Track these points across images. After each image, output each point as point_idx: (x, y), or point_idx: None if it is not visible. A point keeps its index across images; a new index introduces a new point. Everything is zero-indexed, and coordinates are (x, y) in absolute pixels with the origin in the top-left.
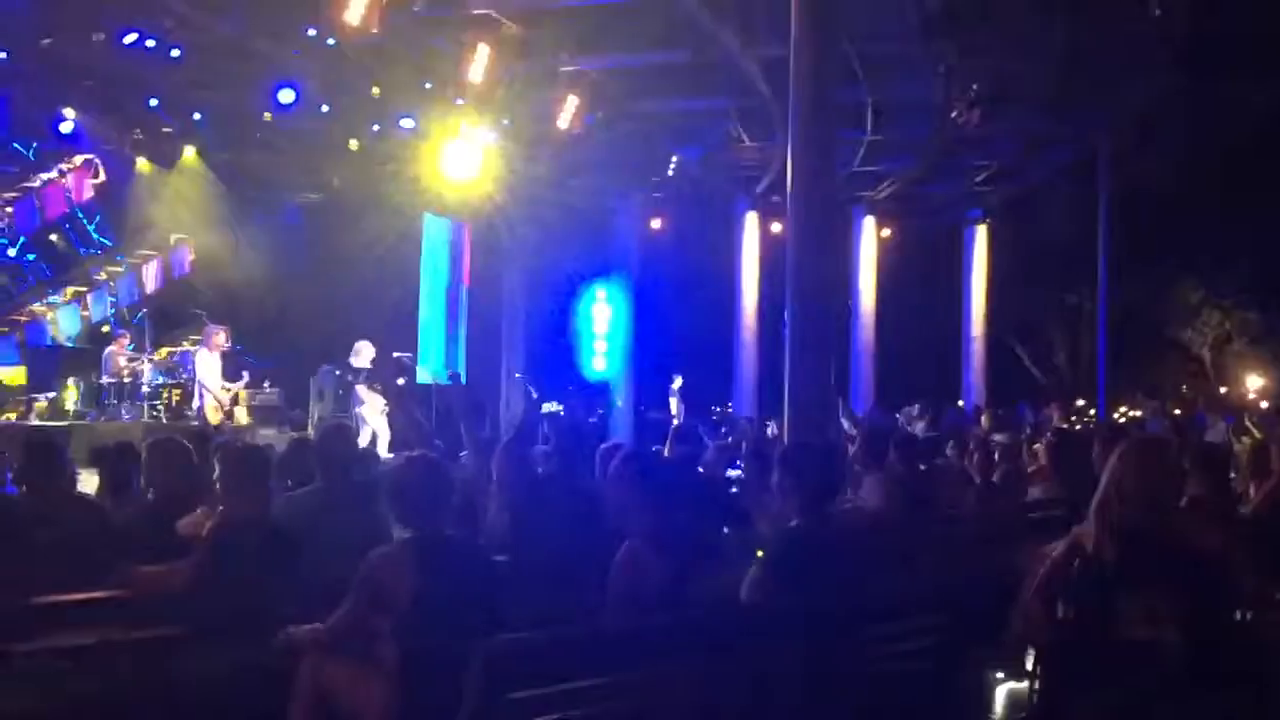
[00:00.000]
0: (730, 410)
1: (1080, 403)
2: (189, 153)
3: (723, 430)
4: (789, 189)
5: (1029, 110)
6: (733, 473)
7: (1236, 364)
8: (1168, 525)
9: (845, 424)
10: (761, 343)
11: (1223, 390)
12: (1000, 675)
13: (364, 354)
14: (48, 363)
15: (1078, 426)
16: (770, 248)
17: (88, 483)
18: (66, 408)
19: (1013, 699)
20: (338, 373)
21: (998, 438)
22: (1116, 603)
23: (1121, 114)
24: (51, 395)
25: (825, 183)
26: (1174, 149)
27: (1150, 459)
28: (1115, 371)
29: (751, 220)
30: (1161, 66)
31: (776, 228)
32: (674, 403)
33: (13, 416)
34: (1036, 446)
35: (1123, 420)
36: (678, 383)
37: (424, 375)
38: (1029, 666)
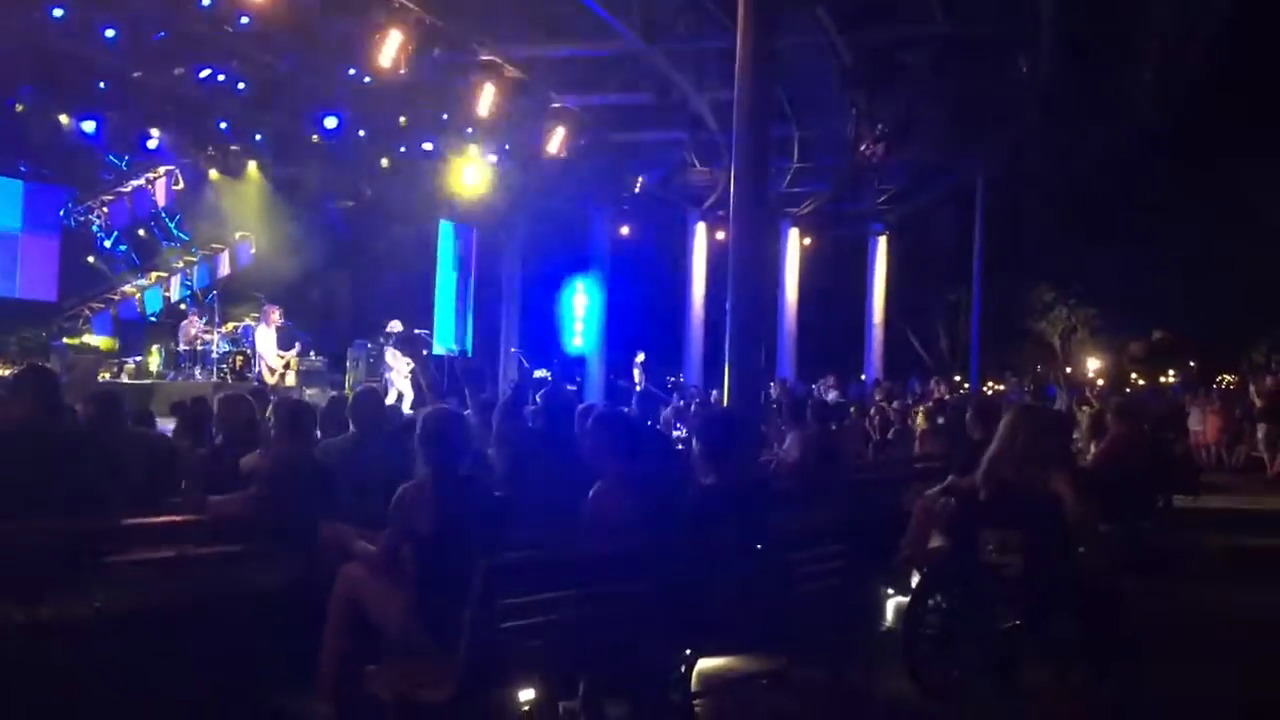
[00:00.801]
0: (682, 379)
1: (957, 378)
2: (251, 166)
3: (675, 396)
4: (731, 205)
5: (924, 145)
6: (678, 432)
7: (1079, 350)
8: (1026, 475)
9: (774, 391)
10: (707, 326)
11: (1068, 370)
12: (890, 591)
13: (394, 327)
14: (136, 333)
15: (954, 396)
16: (715, 252)
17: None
18: (151, 369)
19: (901, 610)
20: (369, 345)
21: (893, 405)
22: (981, 536)
23: (996, 150)
24: (138, 359)
25: (759, 201)
26: (1035, 179)
27: (1036, 422)
28: (985, 354)
29: (701, 229)
30: (1027, 113)
31: (720, 235)
32: (637, 373)
33: (106, 376)
34: (919, 412)
35: (990, 392)
36: (640, 357)
37: (438, 348)
38: (912, 584)
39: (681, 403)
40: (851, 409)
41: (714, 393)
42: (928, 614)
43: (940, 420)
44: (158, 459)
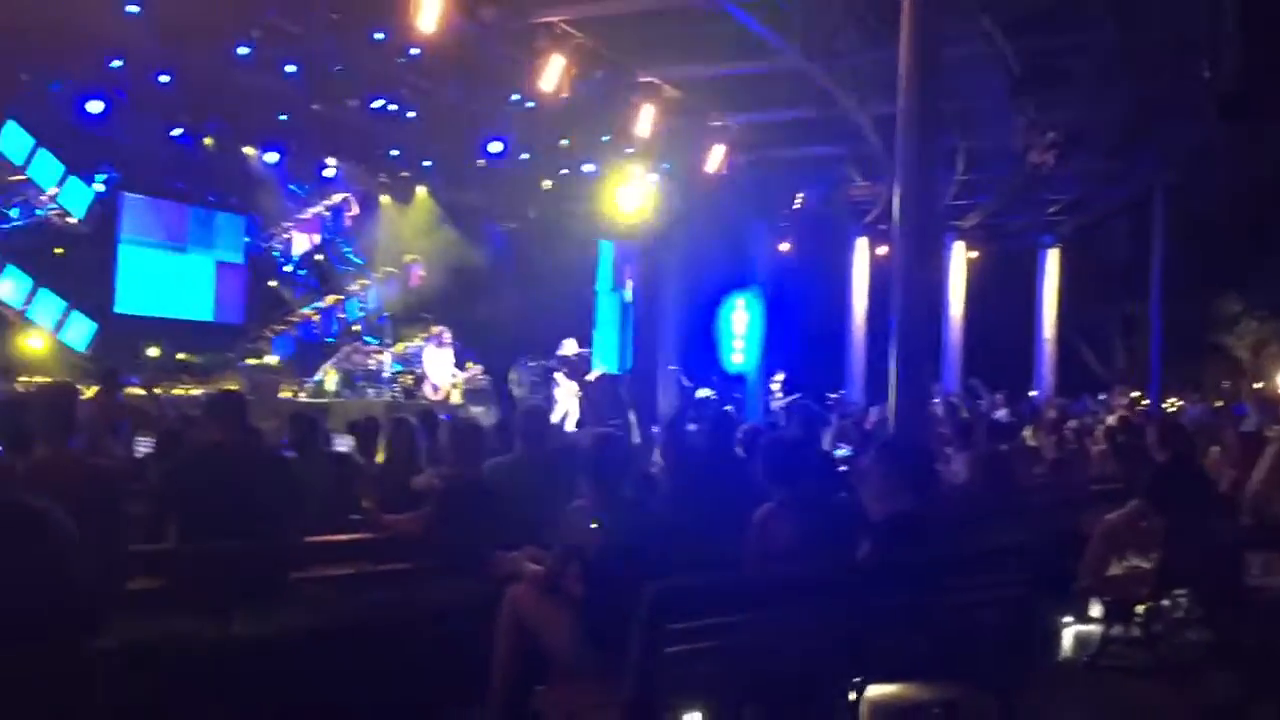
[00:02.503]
0: (842, 395)
1: (1135, 394)
2: (420, 191)
3: (835, 414)
4: (895, 220)
5: (1096, 153)
6: (839, 451)
7: (1271, 365)
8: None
9: (939, 409)
10: (869, 343)
11: (1257, 386)
12: (1068, 619)
13: (568, 347)
14: (313, 354)
15: (1136, 415)
16: (877, 267)
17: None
18: (327, 389)
19: (1080, 640)
20: (532, 364)
21: (1069, 423)
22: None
23: (1174, 155)
24: (315, 379)
25: (924, 214)
26: (1218, 185)
27: None
28: (1166, 369)
29: (862, 244)
30: (1208, 117)
31: (882, 250)
32: (775, 397)
33: (287, 394)
34: (1098, 431)
35: (1172, 410)
36: (778, 378)
37: (600, 368)
38: (1093, 613)
39: (844, 422)
40: (1024, 430)
41: (873, 410)
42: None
43: (1120, 440)
44: (341, 478)
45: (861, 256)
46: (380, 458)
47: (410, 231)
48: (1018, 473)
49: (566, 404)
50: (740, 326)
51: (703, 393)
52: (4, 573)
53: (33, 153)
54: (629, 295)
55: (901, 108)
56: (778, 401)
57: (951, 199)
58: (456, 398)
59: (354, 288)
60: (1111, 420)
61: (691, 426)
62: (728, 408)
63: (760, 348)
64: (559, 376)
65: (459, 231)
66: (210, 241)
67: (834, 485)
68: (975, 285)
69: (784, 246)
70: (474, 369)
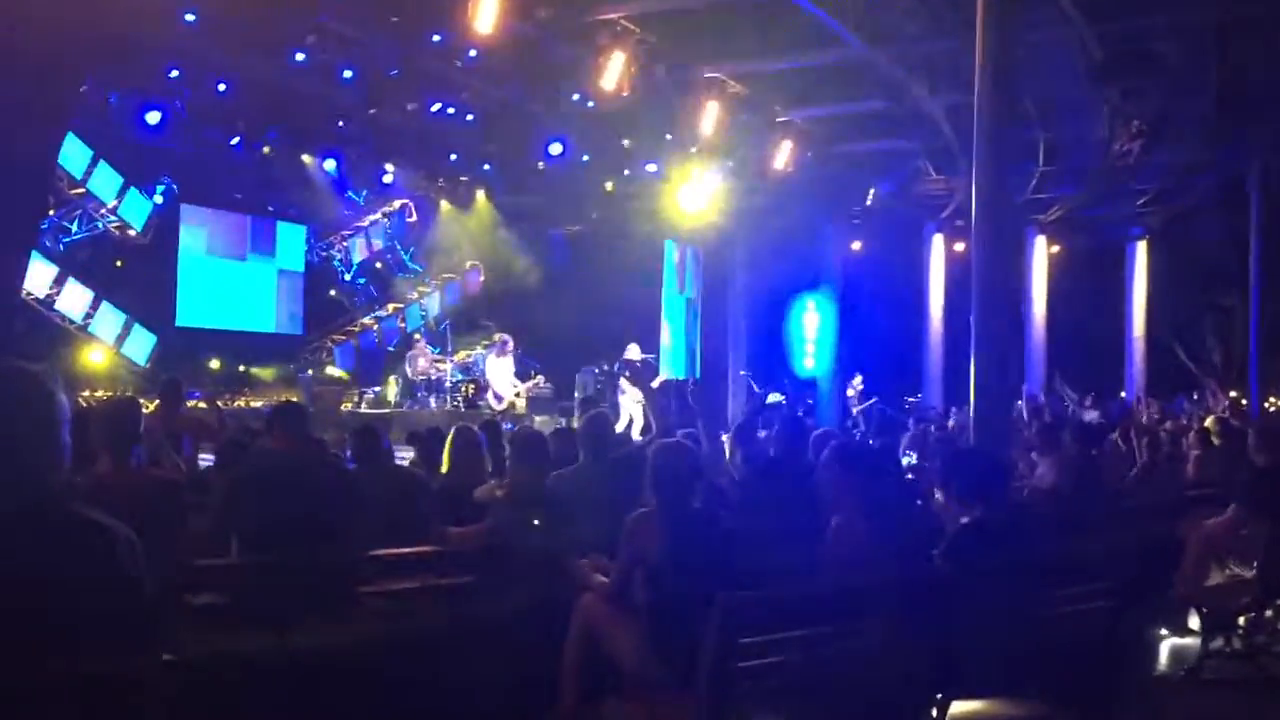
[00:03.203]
0: (919, 399)
1: (1233, 394)
2: (480, 196)
3: (913, 420)
4: (972, 215)
5: (1185, 141)
6: (907, 458)
7: None
8: None
9: (1023, 410)
10: (946, 343)
11: None
12: (1165, 632)
13: (632, 352)
14: (374, 363)
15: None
16: (953, 264)
17: (405, 459)
18: (388, 399)
19: (1176, 653)
20: (596, 370)
21: (1164, 425)
22: None
23: (1269, 141)
24: (376, 389)
25: (1003, 209)
26: None
27: None
28: (1265, 366)
29: (938, 241)
30: None
31: (959, 247)
32: (853, 402)
33: (348, 406)
34: (1195, 431)
35: (1274, 410)
36: (856, 382)
37: (666, 374)
38: (1191, 625)
39: (920, 427)
40: (1115, 433)
41: (953, 412)
42: None
43: (1218, 442)
44: (404, 490)
45: (938, 253)
46: (443, 469)
47: (470, 237)
48: (1108, 477)
49: (631, 411)
50: (812, 329)
51: (774, 398)
52: (71, 588)
53: (92, 165)
54: (695, 298)
55: (977, 97)
56: (857, 406)
57: (1032, 192)
58: (520, 407)
59: (414, 295)
60: (1209, 421)
61: (762, 433)
62: (801, 414)
63: (833, 351)
64: (624, 383)
65: (519, 236)
66: (270, 251)
67: (909, 493)
68: (1059, 281)
69: (856, 245)
70: (536, 378)
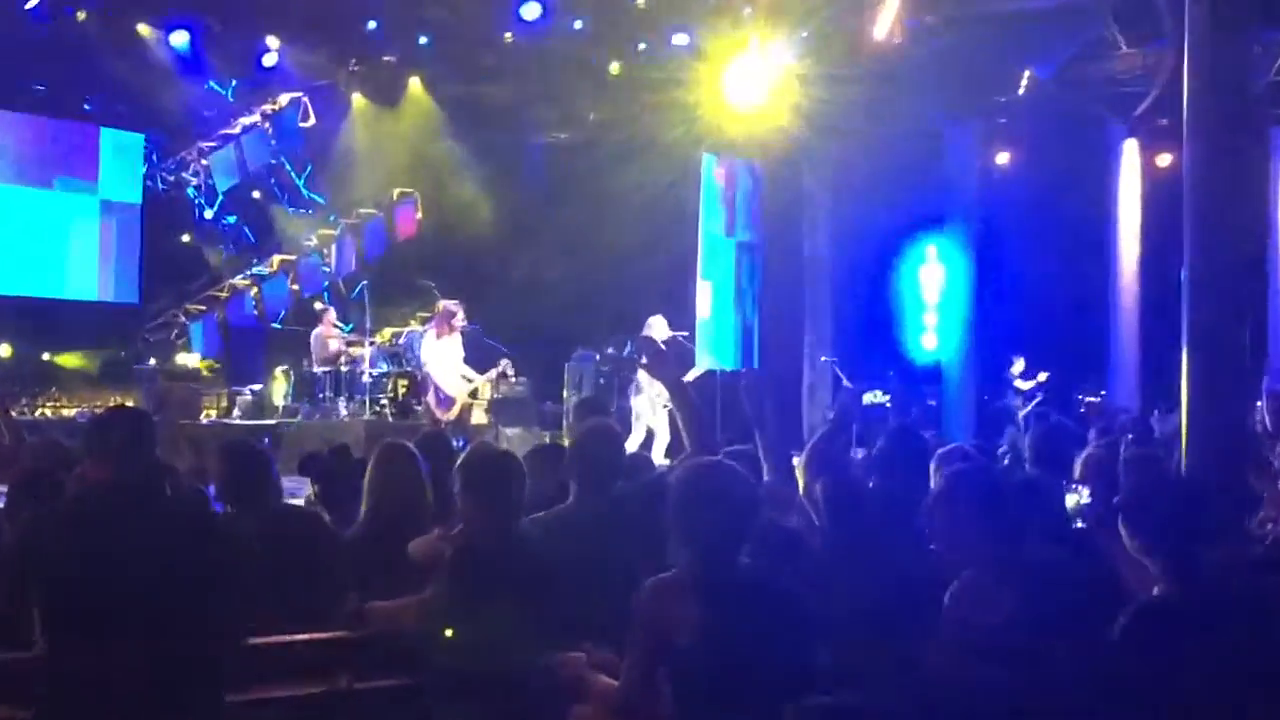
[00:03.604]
0: (1103, 398)
1: None
2: (414, 86)
3: (1093, 430)
4: (1185, 107)
5: None
6: (1073, 497)
7: None
8: None
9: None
10: (1143, 311)
11: None
12: None
13: (655, 329)
14: (252, 348)
15: None
16: (1155, 186)
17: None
18: (274, 402)
19: None
20: (597, 357)
21: None
22: None
23: None
24: (257, 387)
25: (1229, 101)
26: None
27: None
28: None
29: (1130, 150)
30: None
31: (1164, 160)
32: (1018, 394)
33: (212, 414)
34: None
35: None
36: (1017, 366)
37: (705, 360)
38: None
39: (1103, 443)
40: None
41: (1156, 417)
42: None
43: None
44: (300, 544)
45: (1130, 170)
46: (361, 510)
47: (399, 151)
48: None
49: (650, 419)
50: (933, 289)
51: (872, 397)
52: None
53: None
54: (750, 243)
55: None
56: (1022, 409)
57: (1276, 73)
58: (478, 414)
59: (312, 242)
60: None
61: (856, 453)
62: (915, 420)
63: (966, 322)
64: (640, 376)
65: (475, 149)
66: (89, 175)
67: (1080, 549)
68: None
69: (1002, 159)
70: (503, 366)
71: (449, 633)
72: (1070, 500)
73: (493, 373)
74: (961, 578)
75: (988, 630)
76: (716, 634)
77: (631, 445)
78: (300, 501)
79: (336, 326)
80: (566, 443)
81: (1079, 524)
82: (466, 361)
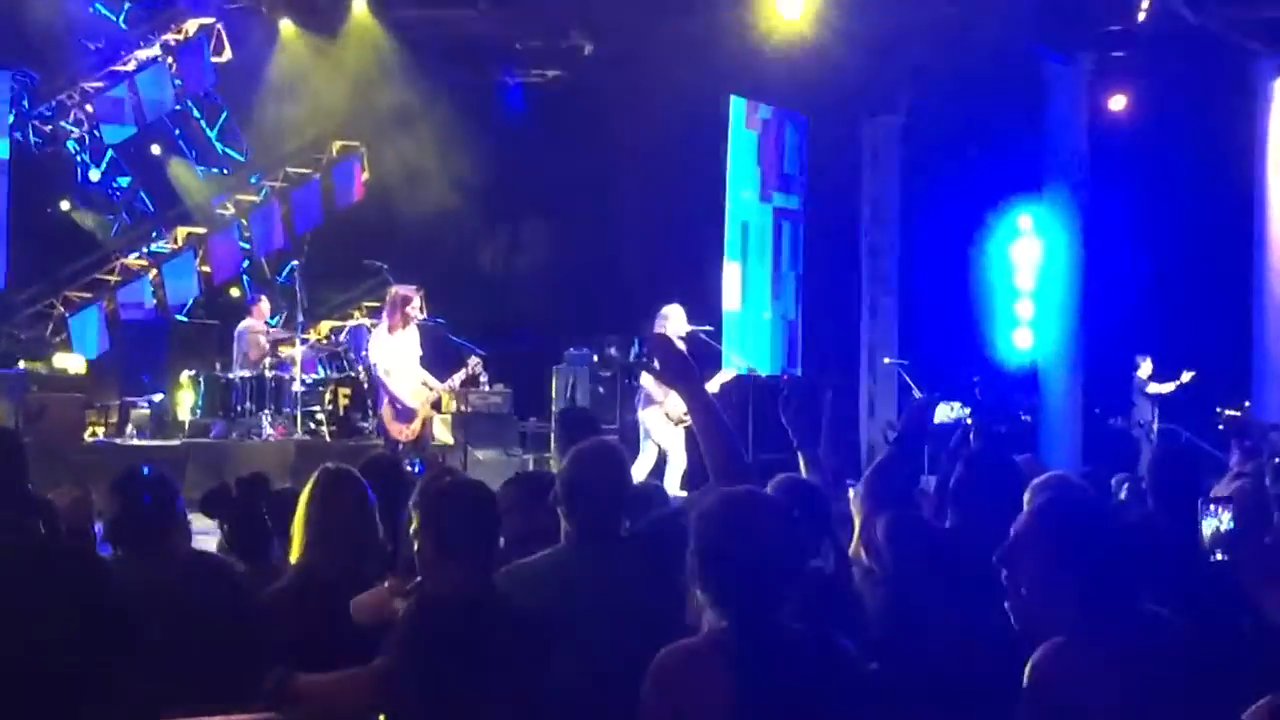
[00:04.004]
0: (1247, 411)
1: None
2: (357, 9)
3: (1235, 452)
4: None
5: None
6: (1211, 524)
7: None
8: None
9: None
10: None
11: None
12: None
13: (670, 322)
14: (150, 348)
15: None
16: None
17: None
18: (179, 417)
19: None
20: (594, 358)
21: None
22: None
23: None
24: (157, 398)
25: None
26: None
27: None
28: None
29: None
30: None
31: None
32: (1144, 402)
33: (100, 432)
34: None
35: None
36: (1145, 369)
37: (734, 362)
38: None
39: (1251, 467)
40: None
41: None
42: None
43: None
44: (212, 600)
45: None
46: (291, 556)
47: (340, 94)
48: None
49: (663, 438)
50: (1028, 270)
51: (948, 410)
52: None
53: None
54: (792, 211)
55: None
56: (1155, 423)
57: None
58: (443, 431)
59: (229, 211)
60: None
61: (928, 481)
62: (1003, 439)
63: (1071, 313)
64: (648, 383)
65: (438, 88)
66: None
67: (1217, 603)
68: None
69: (1116, 103)
70: (473, 365)
71: (401, 716)
72: (1207, 527)
73: (459, 376)
74: (1048, 645)
75: (1083, 716)
76: (753, 715)
77: (639, 472)
78: (214, 546)
79: (261, 320)
80: (555, 469)
81: (1218, 556)
82: (424, 364)
